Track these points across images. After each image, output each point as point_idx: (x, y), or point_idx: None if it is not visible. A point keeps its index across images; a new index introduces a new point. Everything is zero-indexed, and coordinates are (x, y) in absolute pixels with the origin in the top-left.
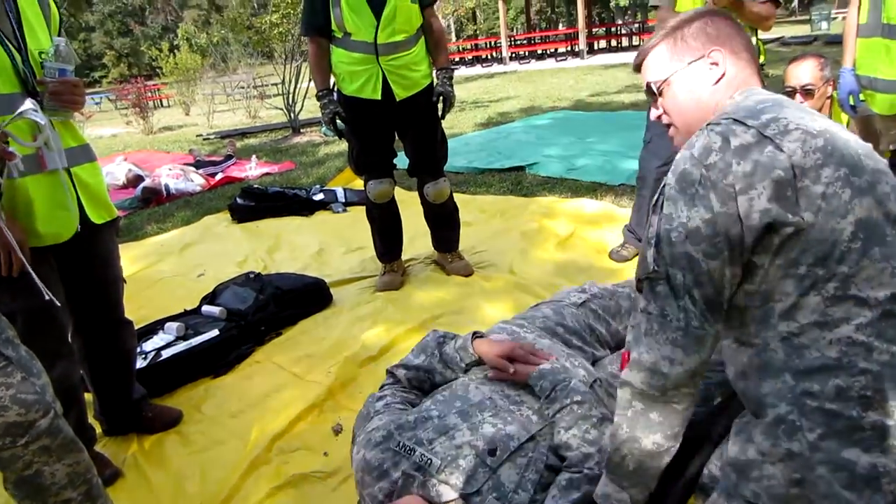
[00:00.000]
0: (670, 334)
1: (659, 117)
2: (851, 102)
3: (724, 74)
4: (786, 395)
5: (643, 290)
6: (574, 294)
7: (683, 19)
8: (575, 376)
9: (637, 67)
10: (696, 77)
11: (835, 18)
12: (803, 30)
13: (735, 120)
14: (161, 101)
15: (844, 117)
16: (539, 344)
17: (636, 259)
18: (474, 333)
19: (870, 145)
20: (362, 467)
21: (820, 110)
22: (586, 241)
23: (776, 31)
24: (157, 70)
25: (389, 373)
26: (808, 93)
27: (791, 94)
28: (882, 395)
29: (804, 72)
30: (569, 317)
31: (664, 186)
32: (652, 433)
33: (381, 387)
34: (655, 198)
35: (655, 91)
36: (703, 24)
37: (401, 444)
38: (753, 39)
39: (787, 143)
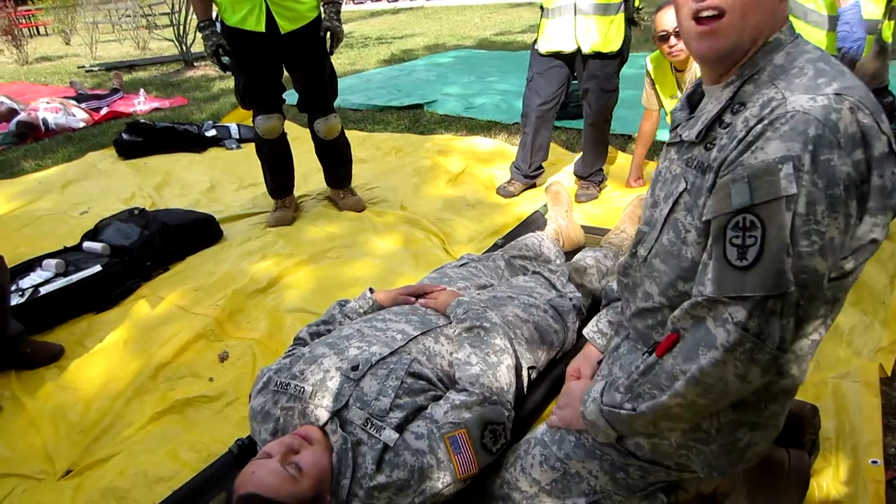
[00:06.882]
0: (759, 355)
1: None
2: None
3: None
4: None
5: (743, 301)
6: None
7: None
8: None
9: None
10: None
11: None
12: None
13: (872, 113)
14: (37, 28)
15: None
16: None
17: (522, 194)
18: (370, 289)
19: None
20: (252, 416)
21: None
22: (477, 178)
23: None
24: None
25: (295, 337)
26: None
27: (666, 37)
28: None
29: (675, 16)
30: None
31: (789, 160)
32: None
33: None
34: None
35: None
36: None
37: (277, 382)
38: None
39: None
